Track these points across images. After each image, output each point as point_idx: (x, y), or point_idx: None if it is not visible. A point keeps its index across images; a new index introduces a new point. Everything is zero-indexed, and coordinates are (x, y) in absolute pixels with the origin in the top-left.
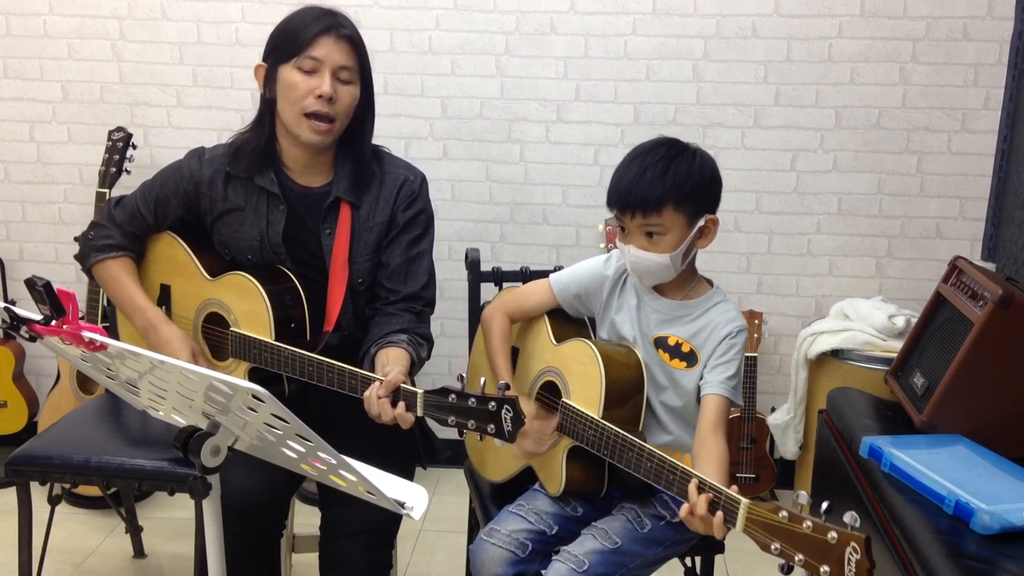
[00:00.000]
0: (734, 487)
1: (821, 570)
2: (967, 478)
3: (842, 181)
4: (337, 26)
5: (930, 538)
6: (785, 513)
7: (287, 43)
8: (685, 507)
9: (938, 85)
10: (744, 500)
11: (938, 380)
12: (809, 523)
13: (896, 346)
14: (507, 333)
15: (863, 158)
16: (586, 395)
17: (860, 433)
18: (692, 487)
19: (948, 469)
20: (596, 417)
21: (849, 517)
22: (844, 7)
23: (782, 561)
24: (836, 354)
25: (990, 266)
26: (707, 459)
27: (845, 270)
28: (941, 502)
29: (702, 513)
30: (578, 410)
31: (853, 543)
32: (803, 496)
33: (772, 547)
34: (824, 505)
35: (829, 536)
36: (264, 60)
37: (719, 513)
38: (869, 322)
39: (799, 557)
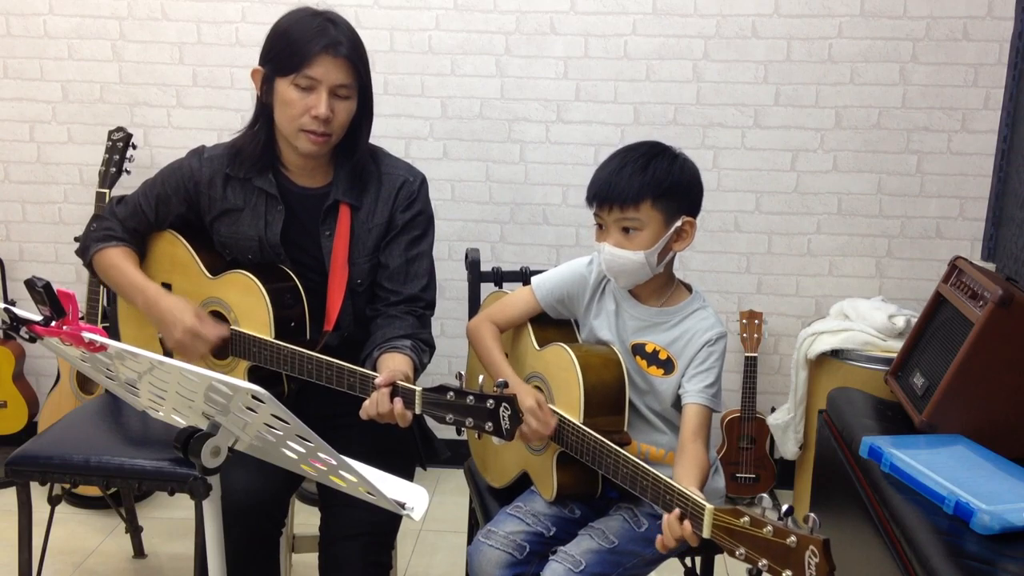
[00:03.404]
0: (700, 495)
1: (783, 574)
2: (967, 478)
3: (842, 181)
4: (336, 44)
5: (930, 538)
6: (747, 518)
7: (285, 57)
8: (659, 540)
9: (938, 85)
10: (708, 506)
11: (938, 380)
12: (770, 528)
13: (896, 346)
14: (498, 336)
15: (863, 158)
16: (568, 401)
17: (860, 433)
18: (672, 518)
19: (948, 469)
20: (577, 422)
21: (810, 520)
22: (844, 7)
23: (749, 566)
24: (836, 354)
25: (990, 266)
26: (685, 464)
27: (845, 270)
28: (941, 502)
29: (677, 535)
30: (561, 415)
31: (812, 546)
32: (766, 500)
33: (737, 552)
34: (784, 508)
35: (789, 540)
36: (261, 64)
37: (687, 522)
38: (869, 322)
39: (763, 562)
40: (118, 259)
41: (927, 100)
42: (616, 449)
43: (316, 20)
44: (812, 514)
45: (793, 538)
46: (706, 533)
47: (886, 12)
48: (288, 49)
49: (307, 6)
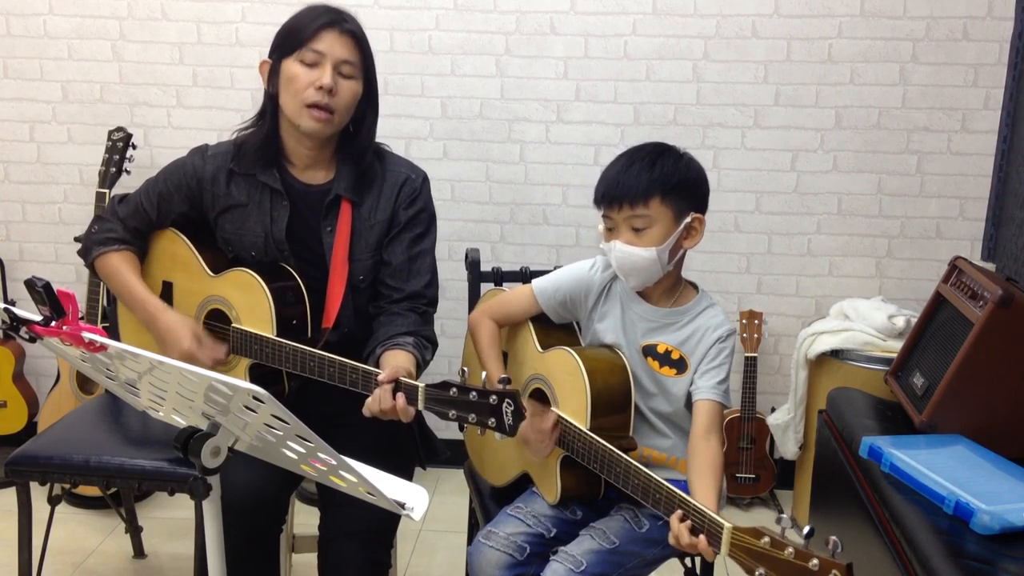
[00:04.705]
0: (719, 511)
1: None
2: (967, 478)
3: (842, 181)
4: (341, 20)
5: (930, 538)
6: (767, 539)
7: (291, 38)
8: (671, 536)
9: (938, 85)
10: (727, 525)
11: (938, 380)
12: (791, 549)
13: (896, 346)
14: (495, 337)
15: (863, 158)
16: (573, 406)
17: (860, 433)
18: (675, 519)
19: (948, 469)
20: (584, 429)
21: (831, 543)
22: (844, 7)
23: None
24: (836, 354)
25: (990, 266)
26: (700, 469)
27: (845, 270)
28: (941, 502)
29: (686, 542)
30: (567, 421)
31: (835, 570)
32: (785, 519)
33: (756, 572)
34: (806, 530)
35: (811, 563)
36: (269, 56)
37: (702, 536)
38: (869, 322)
39: None
40: (120, 265)
41: (927, 100)
42: (627, 459)
43: (322, 7)
44: (835, 537)
45: (815, 561)
46: (724, 552)
47: (886, 12)
48: (294, 31)
49: (314, 3)
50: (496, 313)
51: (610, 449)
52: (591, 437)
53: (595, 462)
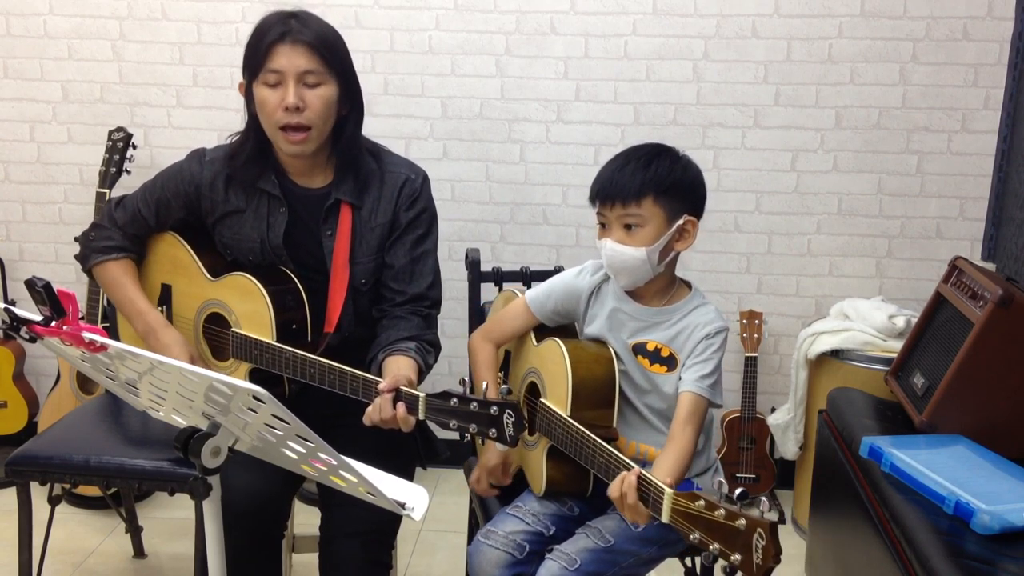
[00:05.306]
0: (665, 479)
1: (732, 558)
2: (967, 478)
3: (842, 181)
4: (290, 32)
5: (930, 538)
6: (702, 502)
7: (252, 58)
8: (613, 492)
9: (938, 85)
10: (668, 490)
11: (938, 380)
12: (722, 511)
13: (896, 346)
14: (492, 360)
15: (863, 158)
16: (557, 394)
17: (860, 433)
18: (629, 477)
19: (948, 469)
20: (564, 415)
21: (762, 504)
22: (844, 7)
23: (704, 552)
24: (836, 354)
25: (990, 266)
26: (667, 449)
27: (845, 270)
28: (941, 502)
29: (631, 501)
30: (550, 409)
31: (759, 529)
32: (724, 485)
33: (692, 537)
34: (737, 492)
35: (738, 523)
36: (243, 77)
37: (634, 483)
38: (869, 322)
39: (714, 546)
40: (120, 275)
41: (927, 100)
42: (593, 439)
43: (278, 17)
44: (763, 497)
45: (742, 521)
46: (665, 518)
47: (886, 12)
48: (252, 51)
49: (279, 9)
50: (494, 334)
51: (581, 430)
52: (567, 422)
53: (571, 446)
